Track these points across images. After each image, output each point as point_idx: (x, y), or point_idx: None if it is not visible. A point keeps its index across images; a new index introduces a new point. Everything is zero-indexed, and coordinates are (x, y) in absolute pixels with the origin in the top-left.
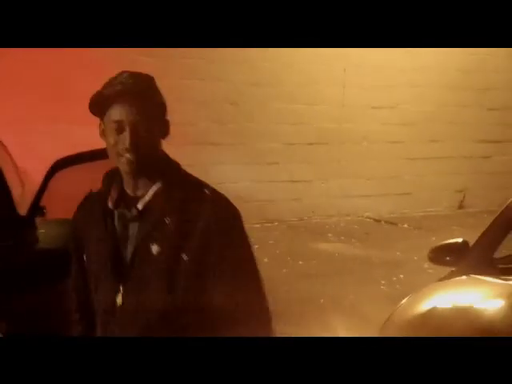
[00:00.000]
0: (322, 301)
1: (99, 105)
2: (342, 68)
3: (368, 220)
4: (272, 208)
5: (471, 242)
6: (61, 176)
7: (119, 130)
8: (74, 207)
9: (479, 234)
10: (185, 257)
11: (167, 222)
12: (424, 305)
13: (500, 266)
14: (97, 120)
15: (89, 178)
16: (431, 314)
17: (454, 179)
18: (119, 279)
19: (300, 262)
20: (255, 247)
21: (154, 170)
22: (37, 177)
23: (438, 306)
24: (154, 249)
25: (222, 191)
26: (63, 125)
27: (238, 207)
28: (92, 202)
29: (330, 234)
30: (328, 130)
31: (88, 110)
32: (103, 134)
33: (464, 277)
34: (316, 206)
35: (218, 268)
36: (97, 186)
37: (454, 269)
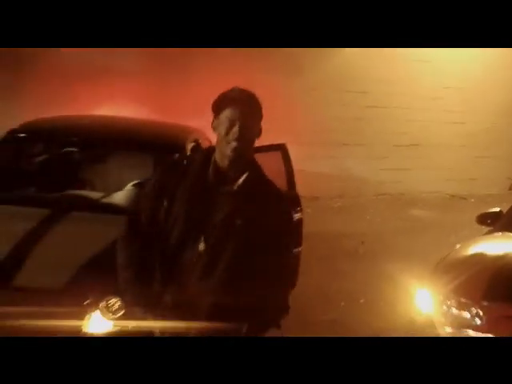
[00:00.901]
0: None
1: (218, 105)
2: None
3: (447, 195)
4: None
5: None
6: None
7: (231, 125)
8: None
9: None
10: (252, 234)
11: (249, 202)
12: (471, 249)
13: None
14: None
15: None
16: (471, 255)
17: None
18: (203, 234)
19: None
20: None
21: (246, 160)
22: None
23: (477, 251)
24: (237, 221)
25: None
26: None
27: None
28: (191, 163)
29: (421, 204)
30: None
31: None
32: (216, 127)
33: (499, 233)
34: (415, 186)
35: (268, 247)
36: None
37: (491, 228)
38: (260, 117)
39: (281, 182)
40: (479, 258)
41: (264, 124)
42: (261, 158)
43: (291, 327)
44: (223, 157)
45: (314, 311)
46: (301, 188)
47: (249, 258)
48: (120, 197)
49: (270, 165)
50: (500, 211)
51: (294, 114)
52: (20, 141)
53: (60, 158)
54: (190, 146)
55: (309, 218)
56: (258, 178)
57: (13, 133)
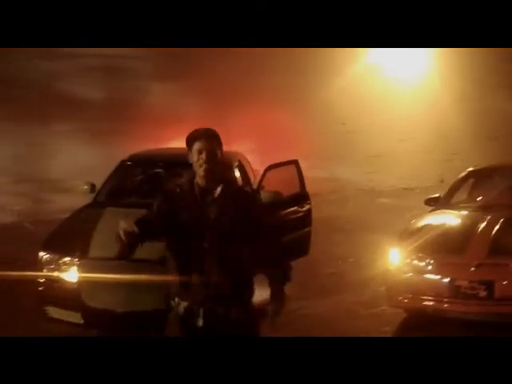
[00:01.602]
0: None
1: (189, 142)
2: None
3: (401, 188)
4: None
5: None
6: (270, 172)
7: (199, 153)
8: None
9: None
10: (236, 223)
11: (229, 204)
12: (422, 222)
13: (457, 205)
14: None
15: (280, 174)
16: (422, 226)
17: None
18: (204, 231)
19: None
20: None
21: (218, 176)
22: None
23: (426, 223)
24: (224, 218)
25: None
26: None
27: None
28: (181, 188)
29: (385, 195)
30: None
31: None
32: (191, 158)
33: (439, 210)
34: (381, 183)
35: (249, 229)
36: (281, 177)
37: (434, 207)
38: (219, 144)
39: (295, 186)
40: (428, 227)
41: (278, 144)
42: (280, 170)
43: (303, 279)
44: (200, 177)
45: (319, 267)
46: (309, 187)
47: (238, 244)
48: None
49: (287, 174)
50: (439, 196)
51: (298, 138)
52: (127, 166)
53: (152, 176)
54: (235, 164)
55: (315, 206)
56: (230, 185)
57: (123, 162)
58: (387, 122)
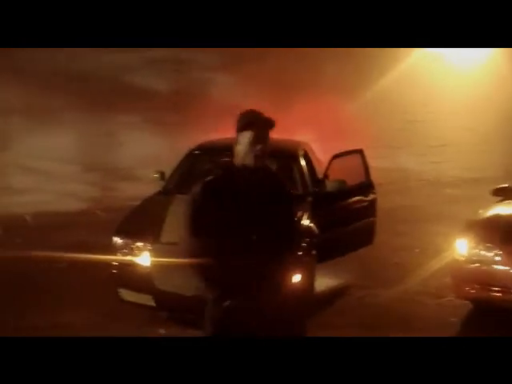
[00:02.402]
0: None
1: (248, 123)
2: None
3: (466, 178)
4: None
5: None
6: (335, 161)
7: (257, 141)
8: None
9: None
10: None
11: (267, 192)
12: (488, 212)
13: None
14: None
15: (346, 163)
16: (490, 216)
17: None
18: (252, 226)
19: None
20: None
21: (263, 166)
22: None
23: (494, 213)
24: (263, 206)
25: None
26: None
27: None
28: (223, 177)
29: (449, 185)
30: None
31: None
32: (240, 136)
33: (507, 201)
34: (445, 174)
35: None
36: (346, 166)
37: (502, 198)
38: (268, 133)
39: (360, 174)
40: (497, 217)
41: (341, 134)
42: (346, 159)
43: (367, 269)
44: (245, 164)
45: (383, 257)
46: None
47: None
48: None
49: (352, 162)
50: (508, 186)
51: (361, 127)
52: (196, 155)
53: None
54: (301, 153)
55: (378, 196)
56: (270, 175)
57: (191, 151)
58: (452, 110)
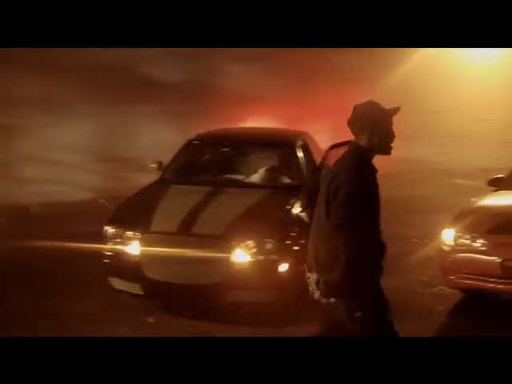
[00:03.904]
0: None
1: (392, 113)
2: None
3: (477, 169)
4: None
5: None
6: (331, 151)
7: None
8: None
9: None
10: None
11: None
12: (478, 202)
13: None
14: None
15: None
16: (479, 206)
17: None
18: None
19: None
20: None
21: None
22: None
23: (483, 203)
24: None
25: None
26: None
27: None
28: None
29: (461, 176)
30: None
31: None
32: (385, 125)
33: (499, 191)
34: (457, 164)
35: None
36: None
37: (496, 188)
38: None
39: None
40: (485, 207)
41: None
42: (345, 149)
43: None
44: (386, 153)
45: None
46: (385, 168)
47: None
48: (255, 177)
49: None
50: (502, 177)
51: None
52: (194, 145)
53: (219, 155)
54: (299, 143)
55: (390, 186)
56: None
57: (190, 141)
58: (465, 102)
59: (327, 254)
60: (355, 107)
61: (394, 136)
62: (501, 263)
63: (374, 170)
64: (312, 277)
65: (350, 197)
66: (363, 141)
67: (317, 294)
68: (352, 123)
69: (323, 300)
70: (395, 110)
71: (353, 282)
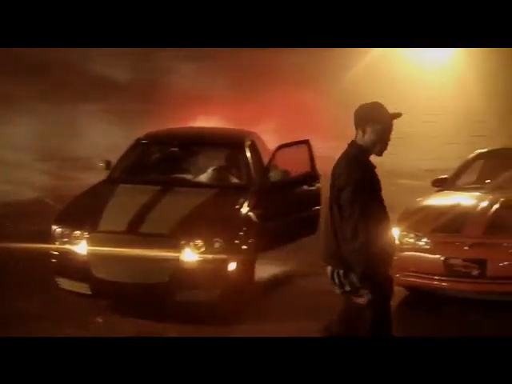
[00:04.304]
0: None
1: (390, 117)
2: None
3: (421, 170)
4: None
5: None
6: (282, 152)
7: (391, 132)
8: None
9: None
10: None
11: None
12: (422, 202)
13: (462, 186)
14: None
15: (294, 153)
16: (423, 206)
17: None
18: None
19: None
20: None
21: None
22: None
23: (427, 203)
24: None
25: None
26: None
27: None
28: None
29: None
30: None
31: None
32: (379, 128)
33: (444, 191)
34: (402, 165)
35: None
36: (294, 156)
37: (440, 188)
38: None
39: (306, 164)
40: (429, 207)
41: (302, 125)
42: (292, 149)
43: (311, 258)
44: (380, 152)
45: None
46: (328, 168)
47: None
48: (204, 177)
49: (299, 153)
50: (446, 177)
51: (321, 118)
52: (143, 145)
53: (168, 155)
54: (247, 143)
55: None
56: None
57: (138, 140)
58: (411, 103)
59: (350, 252)
60: (360, 105)
61: (389, 140)
62: (444, 261)
63: (371, 167)
64: (328, 269)
65: (354, 195)
66: (358, 137)
67: (334, 287)
68: (354, 118)
69: (339, 291)
70: (395, 115)
71: (368, 269)
